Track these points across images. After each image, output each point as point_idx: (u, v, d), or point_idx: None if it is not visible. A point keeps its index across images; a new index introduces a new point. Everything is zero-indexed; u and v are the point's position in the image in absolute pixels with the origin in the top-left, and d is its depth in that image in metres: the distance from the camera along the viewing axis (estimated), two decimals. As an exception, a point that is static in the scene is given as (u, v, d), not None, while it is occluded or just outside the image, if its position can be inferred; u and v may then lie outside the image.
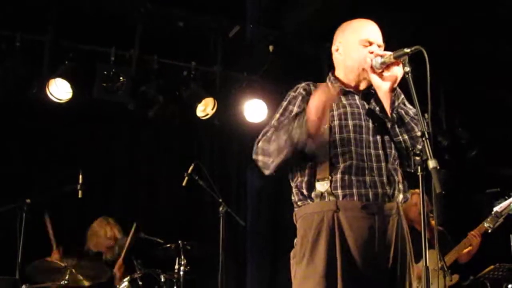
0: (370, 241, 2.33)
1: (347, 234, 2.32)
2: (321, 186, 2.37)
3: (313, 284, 2.29)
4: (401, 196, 2.46)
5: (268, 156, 2.39)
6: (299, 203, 2.47)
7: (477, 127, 6.56)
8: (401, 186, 2.46)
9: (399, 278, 2.36)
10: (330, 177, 2.36)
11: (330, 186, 2.36)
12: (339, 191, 2.35)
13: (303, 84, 2.57)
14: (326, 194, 2.36)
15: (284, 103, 2.54)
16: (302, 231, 2.41)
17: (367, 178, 2.37)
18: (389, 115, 2.41)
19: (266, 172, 2.43)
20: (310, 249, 2.34)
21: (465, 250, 4.80)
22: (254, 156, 2.46)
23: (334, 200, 2.35)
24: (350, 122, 2.43)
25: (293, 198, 2.51)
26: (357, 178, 2.36)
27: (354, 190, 2.35)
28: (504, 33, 5.28)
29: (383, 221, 2.36)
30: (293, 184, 2.51)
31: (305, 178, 2.42)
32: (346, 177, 2.36)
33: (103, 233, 5.08)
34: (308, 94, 2.48)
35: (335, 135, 2.41)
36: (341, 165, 2.37)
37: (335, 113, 2.44)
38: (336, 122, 2.43)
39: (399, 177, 2.45)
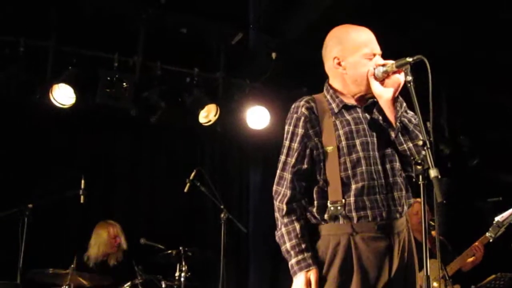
0: (388, 261, 2.34)
1: (365, 256, 2.32)
2: (335, 209, 2.36)
3: None
4: (406, 208, 2.45)
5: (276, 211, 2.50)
6: (313, 223, 2.44)
7: (480, 135, 6.56)
8: (403, 199, 2.44)
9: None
10: (343, 200, 2.36)
11: (344, 209, 2.35)
12: (354, 214, 2.34)
13: (303, 102, 2.50)
14: (340, 217, 2.36)
15: (291, 128, 2.48)
16: (319, 252, 2.40)
17: (378, 197, 2.36)
18: (394, 124, 2.39)
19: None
20: (325, 271, 2.35)
21: (469, 260, 4.79)
22: (274, 193, 2.52)
23: (349, 223, 2.35)
24: (357, 141, 2.40)
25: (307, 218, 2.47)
26: (369, 198, 2.35)
27: (368, 212, 2.34)
28: (506, 38, 5.28)
29: (397, 239, 2.37)
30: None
31: (317, 202, 2.41)
32: (359, 199, 2.35)
33: (106, 232, 5.09)
34: (312, 112, 2.46)
35: (344, 156, 2.39)
36: (353, 187, 2.36)
37: (341, 132, 2.42)
38: (344, 143, 2.40)
39: (404, 190, 2.44)
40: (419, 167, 2.11)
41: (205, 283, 5.27)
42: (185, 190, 4.89)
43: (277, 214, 2.49)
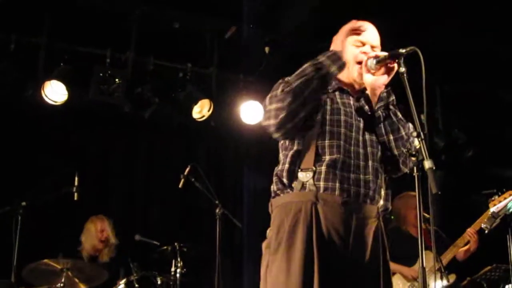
0: (345, 239, 2.28)
1: (323, 228, 2.27)
2: (304, 176, 2.33)
3: (290, 277, 2.23)
4: (381, 202, 2.42)
5: (288, 94, 2.31)
6: (278, 191, 2.42)
7: (474, 127, 6.57)
8: (382, 192, 2.42)
9: (379, 279, 2.32)
10: (314, 168, 2.32)
11: (313, 177, 2.31)
12: (321, 183, 2.31)
13: None
14: (307, 185, 2.32)
15: (280, 81, 2.47)
16: (279, 220, 2.35)
17: (352, 175, 2.34)
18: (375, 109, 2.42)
19: (274, 130, 2.35)
20: (286, 239, 2.28)
21: (464, 248, 4.79)
22: (264, 119, 2.41)
23: (314, 191, 2.30)
24: (342, 118, 2.41)
25: (272, 187, 2.45)
26: (342, 173, 2.32)
27: (337, 185, 2.30)
28: (501, 31, 5.28)
29: (361, 222, 2.32)
30: (274, 176, 2.45)
31: (287, 166, 2.38)
32: (331, 170, 2.31)
33: (94, 226, 5.11)
34: None
35: (325, 126, 2.38)
36: (327, 157, 2.33)
37: (328, 107, 2.41)
38: (328, 116, 2.40)
39: (381, 182, 2.42)
40: (413, 158, 2.11)
41: (200, 278, 5.27)
42: (180, 185, 4.88)
43: (274, 111, 2.35)
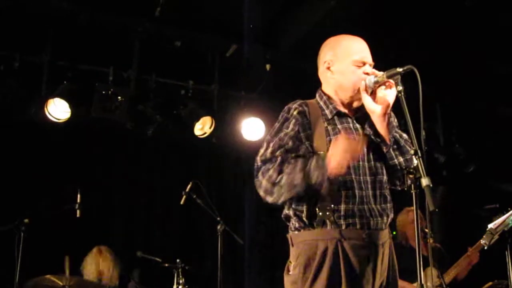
0: (372, 269, 2.35)
1: (352, 262, 2.32)
2: (324, 215, 2.34)
3: None
4: (390, 219, 2.50)
5: (276, 187, 2.33)
6: (298, 227, 2.43)
7: (475, 143, 6.58)
8: (388, 211, 2.48)
9: None
10: (332, 206, 2.35)
11: (333, 215, 2.34)
12: (342, 221, 2.35)
13: (295, 106, 2.51)
14: (328, 222, 2.35)
15: (277, 125, 2.50)
16: (305, 257, 2.37)
17: (365, 207, 2.38)
18: (387, 139, 2.43)
19: (270, 200, 2.38)
20: (313, 276, 2.33)
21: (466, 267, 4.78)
22: (258, 185, 2.39)
23: (337, 229, 2.35)
24: None
25: (290, 224, 2.48)
26: (358, 207, 2.37)
27: (357, 220, 2.36)
28: (501, 47, 5.31)
29: (381, 249, 2.40)
30: (290, 211, 2.46)
31: (306, 207, 2.40)
32: (349, 206, 2.36)
33: (93, 265, 4.98)
34: (304, 116, 2.47)
35: None
36: (343, 194, 2.37)
37: (333, 138, 2.41)
38: None
39: (389, 202, 2.48)
40: (411, 176, 2.13)
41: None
42: (181, 202, 4.88)
43: (268, 188, 2.35)
